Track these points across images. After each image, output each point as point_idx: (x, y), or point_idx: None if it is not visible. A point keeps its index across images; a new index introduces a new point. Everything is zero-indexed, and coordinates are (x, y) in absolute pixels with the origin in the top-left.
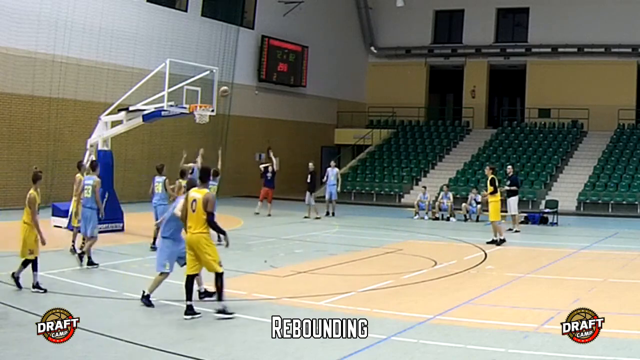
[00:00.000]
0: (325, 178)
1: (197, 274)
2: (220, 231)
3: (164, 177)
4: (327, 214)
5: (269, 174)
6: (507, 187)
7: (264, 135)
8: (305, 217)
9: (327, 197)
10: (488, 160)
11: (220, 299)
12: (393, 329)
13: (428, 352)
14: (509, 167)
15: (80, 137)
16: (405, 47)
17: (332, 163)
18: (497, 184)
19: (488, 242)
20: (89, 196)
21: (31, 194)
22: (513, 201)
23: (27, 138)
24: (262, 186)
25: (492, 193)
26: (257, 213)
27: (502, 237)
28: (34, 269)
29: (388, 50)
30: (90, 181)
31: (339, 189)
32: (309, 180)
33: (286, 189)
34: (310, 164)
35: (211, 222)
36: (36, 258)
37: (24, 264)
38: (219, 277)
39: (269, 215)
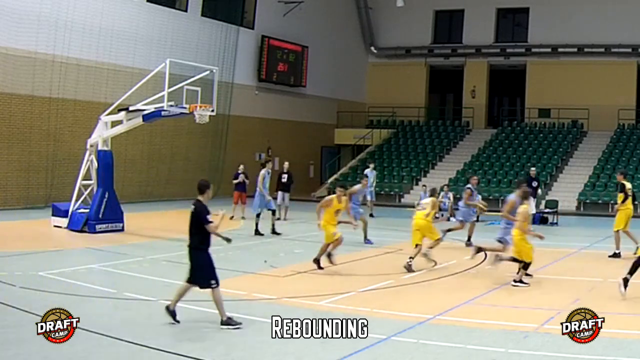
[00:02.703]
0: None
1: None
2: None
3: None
4: (370, 215)
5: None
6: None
7: (264, 135)
8: (278, 219)
9: (368, 198)
10: (488, 160)
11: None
12: (393, 329)
13: (428, 352)
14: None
15: (80, 137)
16: (405, 47)
17: (371, 165)
18: (626, 190)
19: (610, 256)
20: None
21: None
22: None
23: (27, 138)
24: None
25: (622, 201)
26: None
27: (617, 251)
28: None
29: (388, 50)
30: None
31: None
32: (284, 180)
33: None
34: (286, 164)
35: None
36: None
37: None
38: (527, 265)
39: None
